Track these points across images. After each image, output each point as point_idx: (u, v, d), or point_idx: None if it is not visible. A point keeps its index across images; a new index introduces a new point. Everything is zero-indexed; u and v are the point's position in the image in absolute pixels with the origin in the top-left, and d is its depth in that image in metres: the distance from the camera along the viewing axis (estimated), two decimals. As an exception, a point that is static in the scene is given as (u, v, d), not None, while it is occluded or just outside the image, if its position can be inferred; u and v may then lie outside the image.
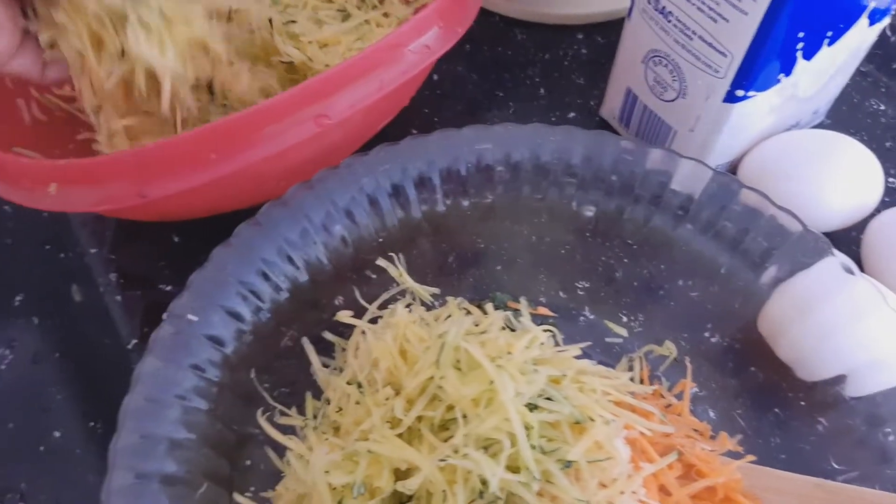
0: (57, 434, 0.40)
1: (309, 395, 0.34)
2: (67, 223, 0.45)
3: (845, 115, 0.49)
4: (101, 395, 0.41)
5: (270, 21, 0.40)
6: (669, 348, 0.37)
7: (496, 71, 0.51)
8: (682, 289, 0.37)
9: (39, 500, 0.38)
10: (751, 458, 0.32)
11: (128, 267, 0.43)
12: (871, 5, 0.37)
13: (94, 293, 0.43)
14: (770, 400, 0.35)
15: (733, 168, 0.43)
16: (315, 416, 0.33)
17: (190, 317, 0.31)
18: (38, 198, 0.29)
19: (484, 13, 0.53)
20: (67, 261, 0.45)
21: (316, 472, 0.28)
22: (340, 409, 0.31)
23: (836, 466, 0.32)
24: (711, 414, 0.36)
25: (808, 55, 0.37)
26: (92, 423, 0.40)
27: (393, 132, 0.44)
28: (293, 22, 0.41)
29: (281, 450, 0.33)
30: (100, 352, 0.42)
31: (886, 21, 0.39)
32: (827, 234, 0.41)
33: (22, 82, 0.42)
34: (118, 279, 0.42)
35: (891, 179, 0.45)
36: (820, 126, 0.48)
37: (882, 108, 0.49)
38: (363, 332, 0.33)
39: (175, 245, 0.43)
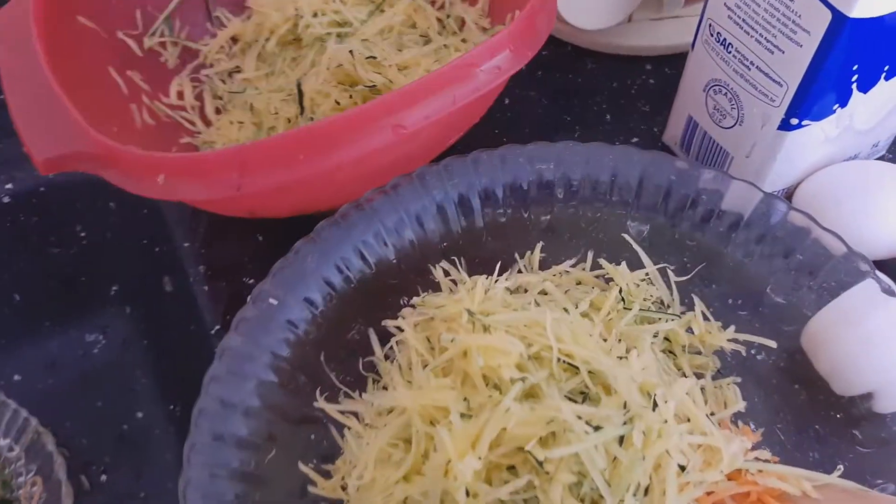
0: (139, 414, 0.42)
1: (370, 380, 0.37)
2: (164, 220, 0.49)
3: (908, 150, 0.49)
4: (182, 381, 0.43)
5: (351, 52, 0.44)
6: (713, 360, 0.38)
7: (565, 97, 0.54)
8: (732, 307, 0.39)
9: (121, 473, 0.40)
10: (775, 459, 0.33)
11: (216, 260, 0.47)
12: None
13: (184, 283, 0.46)
14: (811, 417, 0.36)
15: (789, 195, 0.45)
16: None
17: (271, 300, 0.34)
18: (148, 186, 0.33)
19: (557, 43, 0.56)
20: (161, 254, 0.48)
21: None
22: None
23: (874, 482, 0.33)
24: (752, 426, 0.37)
25: (863, 88, 0.38)
26: (171, 406, 0.42)
27: (463, 148, 0.47)
28: (373, 57, 0.45)
29: (342, 429, 0.35)
30: (184, 337, 0.45)
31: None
32: (881, 262, 0.42)
33: (136, 90, 0.47)
34: (206, 271, 0.46)
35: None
36: (881, 160, 0.48)
37: (947, 145, 0.49)
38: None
39: (259, 243, 0.47)
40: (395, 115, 0.34)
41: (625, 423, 0.27)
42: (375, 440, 0.30)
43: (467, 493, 0.26)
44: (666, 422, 0.27)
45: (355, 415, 0.35)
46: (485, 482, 0.27)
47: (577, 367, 0.30)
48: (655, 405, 0.28)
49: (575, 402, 0.29)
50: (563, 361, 0.30)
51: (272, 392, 0.33)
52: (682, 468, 0.28)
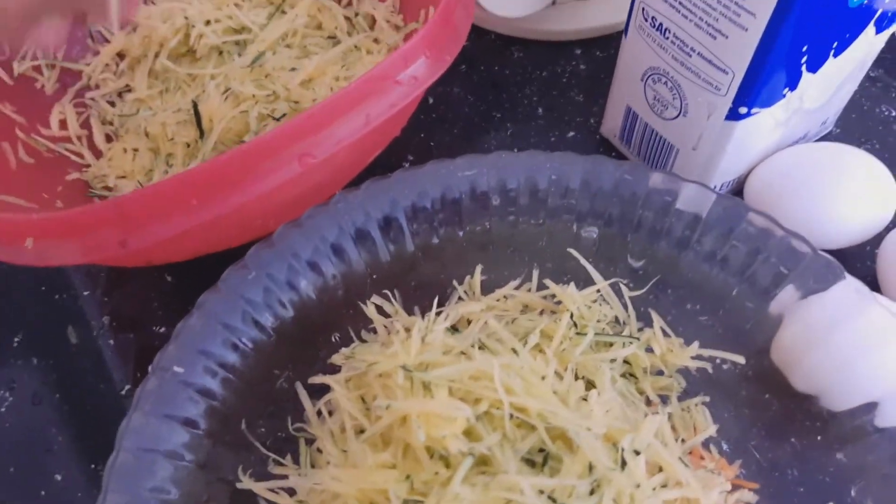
0: (58, 477, 0.38)
1: (302, 442, 0.33)
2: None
3: (855, 122, 0.47)
4: (104, 437, 0.39)
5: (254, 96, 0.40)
6: (678, 380, 0.35)
7: (493, 91, 0.50)
8: (691, 313, 0.36)
9: (41, 547, 0.37)
10: (753, 485, 0.31)
11: (121, 309, 0.42)
12: (878, 12, 0.35)
13: (89, 336, 0.42)
14: (786, 429, 0.33)
15: (740, 185, 0.42)
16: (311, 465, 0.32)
17: (176, 368, 0.30)
18: (16, 253, 0.28)
19: (479, 31, 0.52)
20: (62, 302, 0.44)
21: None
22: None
23: (858, 500, 0.30)
24: (725, 446, 0.34)
25: (812, 68, 0.35)
26: (94, 466, 0.38)
27: (387, 160, 0.42)
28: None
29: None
30: (96, 395, 0.41)
31: (894, 28, 0.38)
32: (841, 251, 0.40)
33: (8, 124, 0.41)
34: (111, 322, 0.41)
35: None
36: (829, 136, 0.46)
37: (893, 113, 0.47)
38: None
39: (168, 285, 0.42)
40: (302, 143, 0.30)
41: (592, 492, 0.24)
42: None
43: None
44: (638, 486, 0.24)
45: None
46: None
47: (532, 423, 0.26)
48: (624, 462, 0.25)
49: (533, 462, 0.26)
50: (517, 417, 0.26)
51: (191, 476, 0.29)
52: (660, 532, 0.25)
